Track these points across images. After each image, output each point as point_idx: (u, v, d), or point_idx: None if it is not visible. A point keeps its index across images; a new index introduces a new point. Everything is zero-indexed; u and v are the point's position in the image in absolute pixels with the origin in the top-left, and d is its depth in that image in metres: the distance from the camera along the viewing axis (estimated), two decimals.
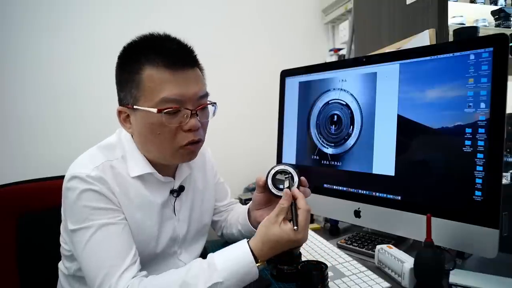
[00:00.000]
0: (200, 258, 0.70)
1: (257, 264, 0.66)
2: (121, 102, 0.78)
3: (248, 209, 0.91)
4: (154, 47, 0.73)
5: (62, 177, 0.75)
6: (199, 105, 0.76)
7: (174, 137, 0.74)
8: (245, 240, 0.70)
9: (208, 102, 0.79)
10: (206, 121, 0.80)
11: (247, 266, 0.66)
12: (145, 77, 0.72)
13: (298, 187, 0.75)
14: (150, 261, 0.81)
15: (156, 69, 0.71)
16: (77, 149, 0.82)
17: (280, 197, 0.75)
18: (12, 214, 1.01)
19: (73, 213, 0.73)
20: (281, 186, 0.76)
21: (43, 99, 1.43)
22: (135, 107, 0.74)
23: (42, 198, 1.05)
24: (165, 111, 0.71)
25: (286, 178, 0.75)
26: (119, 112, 0.78)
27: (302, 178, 0.77)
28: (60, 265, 0.87)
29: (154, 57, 0.71)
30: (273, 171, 0.76)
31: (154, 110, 0.71)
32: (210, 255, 0.69)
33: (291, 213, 0.67)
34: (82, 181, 0.72)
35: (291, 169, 0.75)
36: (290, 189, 0.72)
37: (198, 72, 0.78)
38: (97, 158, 0.76)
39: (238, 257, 0.67)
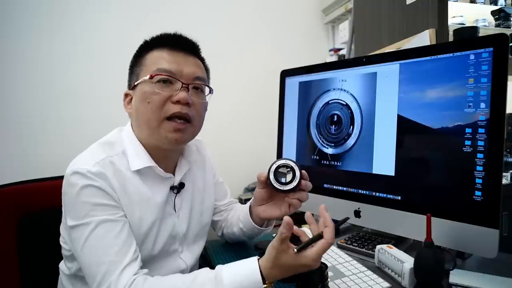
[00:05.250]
0: (207, 268, 0.70)
1: (264, 286, 0.64)
2: (129, 87, 0.83)
3: (250, 206, 0.92)
4: (163, 37, 0.81)
5: (62, 177, 0.75)
6: (194, 83, 0.79)
7: (162, 107, 0.76)
8: (255, 258, 0.67)
9: (204, 84, 0.82)
10: (200, 103, 0.81)
11: (254, 286, 0.64)
12: (149, 57, 0.80)
13: (299, 181, 0.76)
14: (150, 258, 0.80)
15: (159, 50, 0.79)
16: (77, 149, 0.82)
17: (281, 191, 0.76)
18: (12, 214, 1.01)
19: (73, 209, 0.72)
20: (283, 180, 0.76)
21: (43, 99, 1.43)
22: (135, 83, 0.79)
23: (42, 198, 1.05)
24: (158, 78, 0.76)
25: (288, 171, 0.76)
26: (125, 96, 0.83)
27: (303, 171, 0.77)
28: (61, 265, 0.86)
29: (160, 44, 0.80)
30: (274, 166, 0.77)
31: (147, 77, 0.76)
32: (218, 267, 0.68)
33: (310, 239, 0.64)
34: (83, 177, 0.71)
35: (292, 163, 0.76)
36: (292, 182, 0.74)
37: (199, 62, 0.83)
38: (98, 154, 0.76)
39: (246, 275, 0.64)
